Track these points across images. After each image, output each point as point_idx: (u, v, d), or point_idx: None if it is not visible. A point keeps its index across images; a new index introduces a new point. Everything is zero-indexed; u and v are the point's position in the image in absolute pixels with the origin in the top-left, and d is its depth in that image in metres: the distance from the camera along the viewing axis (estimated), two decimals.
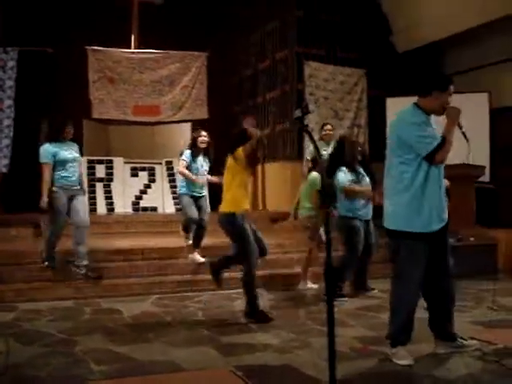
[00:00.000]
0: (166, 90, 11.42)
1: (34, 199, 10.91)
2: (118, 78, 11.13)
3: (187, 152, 7.27)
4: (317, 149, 3.12)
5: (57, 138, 6.73)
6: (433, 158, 3.97)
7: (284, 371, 4.04)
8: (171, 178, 11.39)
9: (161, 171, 11.49)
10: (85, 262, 6.64)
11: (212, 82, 11.91)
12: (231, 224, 5.40)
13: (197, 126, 12.23)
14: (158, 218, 10.42)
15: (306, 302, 6.32)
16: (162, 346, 4.63)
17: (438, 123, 4.19)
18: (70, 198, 6.66)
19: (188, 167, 7.19)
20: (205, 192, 7.45)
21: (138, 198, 11.15)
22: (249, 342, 4.76)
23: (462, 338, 4.38)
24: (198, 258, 7.27)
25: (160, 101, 11.40)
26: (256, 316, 5.41)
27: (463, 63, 11.39)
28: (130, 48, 11.72)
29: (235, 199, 5.41)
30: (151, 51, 11.44)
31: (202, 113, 11.64)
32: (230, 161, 5.53)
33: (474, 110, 10.11)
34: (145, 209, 11.12)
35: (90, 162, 10.91)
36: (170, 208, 11.18)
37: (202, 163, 7.37)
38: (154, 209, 11.15)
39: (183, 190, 7.28)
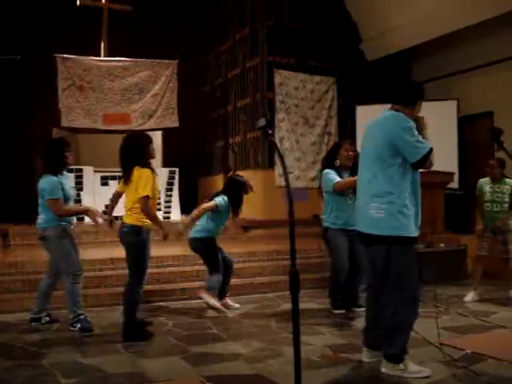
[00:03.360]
0: (136, 98, 11.35)
1: (1, 209, 10.83)
2: (87, 86, 11.04)
3: None
4: (282, 160, 3.11)
5: (60, 169, 5.61)
6: (422, 164, 4.02)
7: (254, 381, 4.02)
8: None
9: None
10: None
11: (183, 91, 11.88)
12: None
13: (167, 134, 12.25)
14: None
15: (277, 311, 6.30)
16: (131, 357, 4.58)
17: None
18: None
19: None
20: None
21: (108, 207, 11.02)
22: (219, 351, 4.73)
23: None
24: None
25: (130, 109, 11.33)
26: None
27: (432, 71, 11.56)
28: (99, 56, 11.65)
29: None
30: (121, 59, 11.37)
31: (173, 121, 11.58)
32: None
33: (442, 118, 10.26)
34: (116, 218, 10.97)
35: None
36: None
37: None
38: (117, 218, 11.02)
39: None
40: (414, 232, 4.07)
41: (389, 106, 4.25)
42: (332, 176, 6.14)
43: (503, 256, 6.88)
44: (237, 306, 6.43)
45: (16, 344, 4.99)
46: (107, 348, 4.86)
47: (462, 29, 9.94)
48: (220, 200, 6.24)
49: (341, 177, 6.15)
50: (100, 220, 5.56)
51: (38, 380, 4.03)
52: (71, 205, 5.71)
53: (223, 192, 6.41)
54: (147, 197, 5.09)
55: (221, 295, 6.32)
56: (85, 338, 5.19)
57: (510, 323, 5.56)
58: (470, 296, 6.85)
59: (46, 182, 5.44)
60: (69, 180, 5.97)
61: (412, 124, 4.06)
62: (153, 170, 5.25)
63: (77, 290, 5.44)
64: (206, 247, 6.30)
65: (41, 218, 5.58)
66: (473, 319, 5.82)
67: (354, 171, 5.99)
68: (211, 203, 6.25)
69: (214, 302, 6.05)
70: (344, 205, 6.14)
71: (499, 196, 7.01)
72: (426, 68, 11.92)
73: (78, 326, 5.36)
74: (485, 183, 7.14)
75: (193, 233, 6.36)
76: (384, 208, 4.03)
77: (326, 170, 6.26)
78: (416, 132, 4.05)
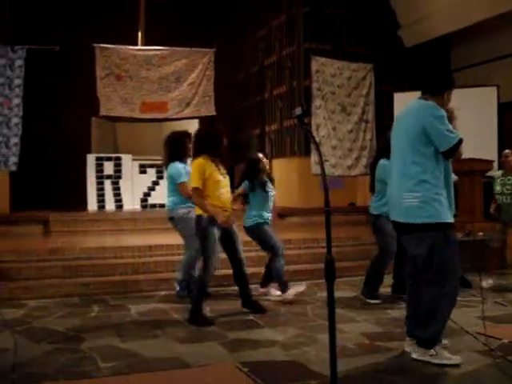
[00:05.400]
0: (173, 86, 11.43)
1: (42, 197, 11.07)
2: (125, 75, 11.15)
3: None
4: (317, 146, 3.10)
5: (184, 157, 6.24)
6: (452, 153, 4.01)
7: (290, 367, 4.05)
8: None
9: None
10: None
11: (219, 79, 11.90)
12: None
13: (204, 122, 12.33)
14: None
15: (313, 299, 6.31)
16: (169, 343, 4.65)
17: None
18: None
19: None
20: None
21: (146, 194, 11.20)
22: (255, 338, 4.77)
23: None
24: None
25: (167, 97, 11.42)
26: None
27: (472, 57, 11.36)
28: (137, 45, 11.75)
29: None
30: (158, 48, 11.45)
31: (209, 109, 11.64)
32: None
33: (482, 104, 10.08)
34: (153, 205, 11.16)
35: (98, 159, 10.94)
36: None
37: None
38: (162, 206, 11.16)
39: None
40: (450, 218, 4.05)
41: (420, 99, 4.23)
42: None
43: None
44: (278, 293, 6.41)
45: (56, 328, 5.10)
46: (145, 333, 4.94)
47: (502, 14, 9.74)
48: (244, 184, 6.32)
49: None
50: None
51: (77, 364, 4.11)
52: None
53: (242, 177, 6.45)
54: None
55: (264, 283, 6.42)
56: (124, 323, 5.27)
57: None
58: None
59: (173, 168, 6.12)
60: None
61: (443, 113, 4.04)
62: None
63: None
64: (255, 235, 6.35)
65: (169, 201, 6.29)
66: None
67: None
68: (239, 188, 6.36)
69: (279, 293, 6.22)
70: None
71: (508, 188, 6.92)
72: (466, 54, 11.73)
73: None
74: (496, 176, 7.05)
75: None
76: (418, 196, 4.03)
77: (386, 163, 6.16)
78: (447, 121, 4.03)
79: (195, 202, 5.34)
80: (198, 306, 5.31)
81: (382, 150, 6.23)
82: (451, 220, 4.07)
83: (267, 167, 6.50)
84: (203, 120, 11.94)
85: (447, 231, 4.05)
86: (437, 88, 4.19)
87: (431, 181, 4.00)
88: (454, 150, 3.99)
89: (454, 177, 4.41)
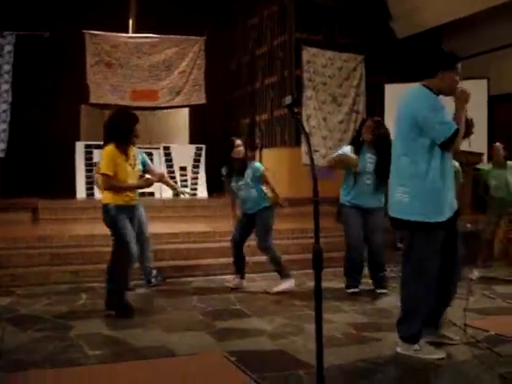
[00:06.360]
0: (164, 74, 11.40)
1: (31, 184, 11.01)
2: (115, 62, 11.11)
3: None
4: (307, 138, 3.10)
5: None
6: (449, 145, 3.82)
7: (277, 356, 4.06)
8: (169, 163, 11.41)
9: (159, 156, 11.48)
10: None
11: (210, 67, 11.87)
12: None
13: (194, 110, 12.30)
14: (156, 204, 10.44)
15: (301, 289, 6.32)
16: (157, 331, 4.65)
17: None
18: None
19: None
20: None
21: None
22: (243, 327, 4.78)
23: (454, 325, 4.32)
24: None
25: (158, 86, 11.39)
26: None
27: (462, 49, 11.34)
28: (127, 32, 11.68)
29: None
30: (148, 35, 11.40)
31: (200, 98, 11.62)
32: None
33: (472, 97, 10.04)
34: (141, 194, 11.08)
35: (87, 146, 10.91)
36: (166, 193, 11.19)
37: None
38: (152, 194, 11.15)
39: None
40: (439, 217, 3.89)
41: (416, 84, 4.09)
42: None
43: None
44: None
45: (44, 316, 5.09)
46: (133, 321, 4.94)
47: (494, 7, 9.75)
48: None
49: (360, 153, 5.98)
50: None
51: (65, 351, 4.11)
52: None
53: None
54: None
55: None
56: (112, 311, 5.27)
57: None
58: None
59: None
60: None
61: (435, 102, 3.85)
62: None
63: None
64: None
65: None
66: (500, 301, 5.78)
67: (379, 149, 5.92)
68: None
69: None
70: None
71: (502, 181, 6.97)
72: (457, 46, 11.70)
73: None
74: (487, 168, 7.06)
75: None
76: (408, 192, 3.90)
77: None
78: (442, 111, 3.82)
79: (111, 187, 5.12)
80: (122, 294, 5.22)
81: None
82: (441, 219, 3.90)
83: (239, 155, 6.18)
84: (194, 109, 11.93)
85: (431, 231, 3.92)
86: (429, 70, 3.96)
87: (422, 175, 3.84)
88: (450, 142, 3.79)
89: (455, 164, 4.22)
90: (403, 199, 3.95)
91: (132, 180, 5.24)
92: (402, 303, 4.12)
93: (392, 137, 4.42)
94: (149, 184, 5.46)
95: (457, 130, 3.80)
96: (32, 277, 6.42)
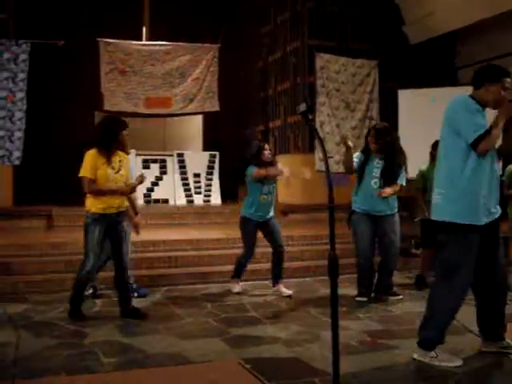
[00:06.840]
0: (177, 82, 11.42)
1: (45, 191, 11.07)
2: (129, 70, 11.14)
3: None
4: (322, 145, 3.08)
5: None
6: (476, 146, 3.82)
7: (292, 364, 4.04)
8: (182, 170, 11.46)
9: (172, 163, 11.52)
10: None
11: (223, 75, 11.88)
12: None
13: (208, 118, 12.31)
14: (170, 210, 10.48)
15: (316, 296, 6.30)
16: (171, 338, 4.64)
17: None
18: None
19: None
20: None
21: (150, 190, 11.21)
22: (258, 334, 4.77)
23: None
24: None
25: (171, 93, 11.41)
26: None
27: (477, 54, 11.30)
28: (141, 40, 11.73)
29: None
30: (162, 43, 11.43)
31: (213, 105, 11.64)
32: None
33: None
34: (156, 201, 11.18)
35: None
36: (180, 200, 11.23)
37: None
38: (166, 201, 11.21)
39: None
40: (472, 219, 3.87)
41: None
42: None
43: None
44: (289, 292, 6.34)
45: (58, 323, 5.10)
46: (148, 328, 4.94)
47: (508, 11, 9.69)
48: None
49: (369, 159, 6.02)
50: None
51: (80, 359, 4.11)
52: None
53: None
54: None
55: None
56: (127, 318, 5.26)
57: None
58: None
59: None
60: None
61: (472, 106, 3.90)
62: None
63: None
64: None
65: None
66: None
67: (386, 154, 5.92)
68: None
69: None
70: None
71: None
72: (471, 51, 11.67)
73: None
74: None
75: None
76: (443, 193, 3.96)
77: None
78: (477, 114, 3.87)
79: (91, 190, 5.16)
80: (78, 302, 5.28)
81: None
82: (475, 222, 3.87)
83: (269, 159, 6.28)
84: (207, 116, 11.94)
85: (465, 234, 3.89)
86: (476, 81, 4.04)
87: (457, 177, 3.88)
88: (477, 143, 3.79)
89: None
90: (438, 201, 4.01)
91: (117, 183, 5.25)
92: (427, 308, 4.10)
93: None
94: (131, 188, 5.40)
95: (486, 132, 3.81)
96: (47, 284, 6.44)
